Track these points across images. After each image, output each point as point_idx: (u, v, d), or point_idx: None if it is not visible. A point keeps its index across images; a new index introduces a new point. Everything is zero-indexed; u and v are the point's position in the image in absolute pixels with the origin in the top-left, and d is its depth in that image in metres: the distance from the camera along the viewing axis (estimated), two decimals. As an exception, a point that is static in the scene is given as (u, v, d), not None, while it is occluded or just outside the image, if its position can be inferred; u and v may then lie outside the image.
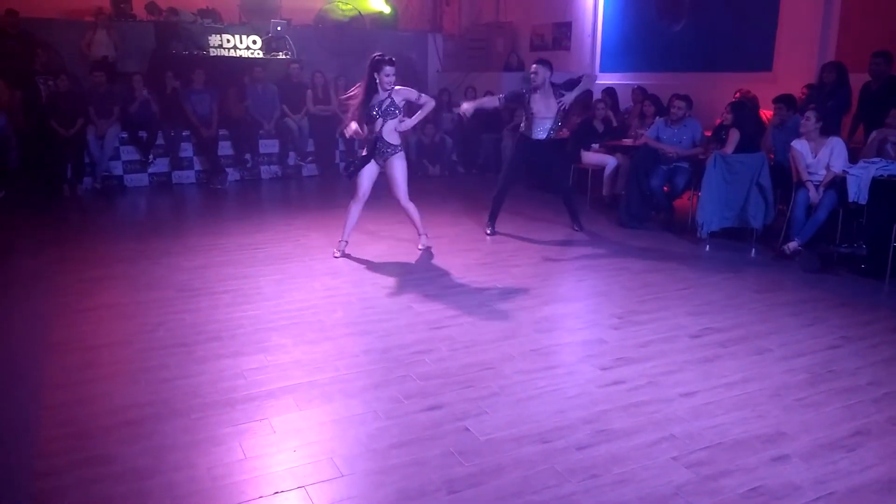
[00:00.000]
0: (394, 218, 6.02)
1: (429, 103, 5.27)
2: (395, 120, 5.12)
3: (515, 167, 6.20)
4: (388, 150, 5.16)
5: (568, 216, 6.39)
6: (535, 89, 5.85)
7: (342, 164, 9.41)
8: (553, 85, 5.89)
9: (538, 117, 5.88)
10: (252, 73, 9.17)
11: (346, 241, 5.40)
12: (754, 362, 3.52)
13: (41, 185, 7.95)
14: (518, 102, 5.99)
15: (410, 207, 5.40)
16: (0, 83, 8.16)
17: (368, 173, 5.21)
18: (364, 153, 5.21)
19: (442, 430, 2.80)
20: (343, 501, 2.35)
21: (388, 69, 4.98)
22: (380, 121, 5.08)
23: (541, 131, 5.90)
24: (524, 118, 6.00)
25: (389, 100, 5.08)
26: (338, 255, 5.35)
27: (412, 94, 5.19)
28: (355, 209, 5.29)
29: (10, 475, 2.51)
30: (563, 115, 6.02)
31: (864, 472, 2.56)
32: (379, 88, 5.04)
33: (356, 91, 5.16)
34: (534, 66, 5.86)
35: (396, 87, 5.10)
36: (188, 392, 3.10)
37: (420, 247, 5.54)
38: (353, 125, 5.12)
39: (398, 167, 5.21)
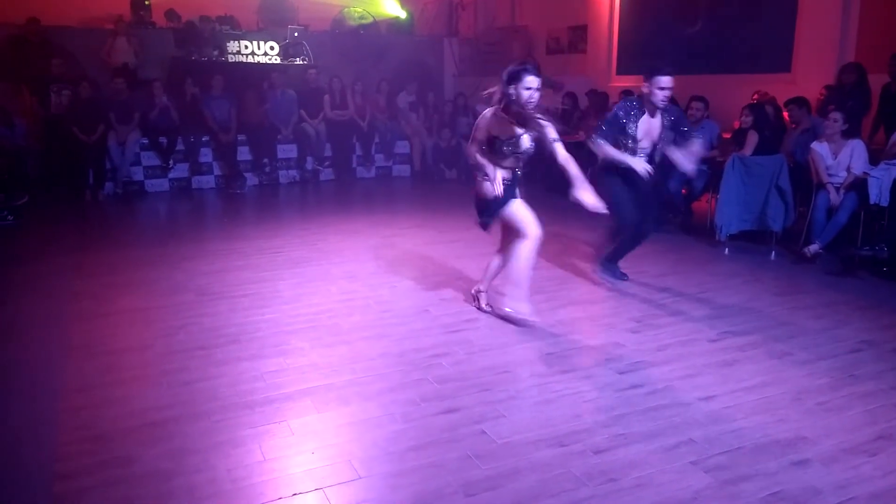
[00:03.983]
0: (408, 223, 6.03)
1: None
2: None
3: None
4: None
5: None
6: None
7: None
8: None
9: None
10: (271, 79, 9.25)
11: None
12: (774, 366, 3.48)
13: (63, 190, 8.08)
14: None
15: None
16: (22, 90, 8.30)
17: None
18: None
19: (459, 433, 2.80)
20: (360, 503, 2.37)
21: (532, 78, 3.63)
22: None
23: None
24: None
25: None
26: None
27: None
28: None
29: (31, 477, 2.54)
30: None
31: (886, 476, 2.52)
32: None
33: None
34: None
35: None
36: (208, 395, 3.13)
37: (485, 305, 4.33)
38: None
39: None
